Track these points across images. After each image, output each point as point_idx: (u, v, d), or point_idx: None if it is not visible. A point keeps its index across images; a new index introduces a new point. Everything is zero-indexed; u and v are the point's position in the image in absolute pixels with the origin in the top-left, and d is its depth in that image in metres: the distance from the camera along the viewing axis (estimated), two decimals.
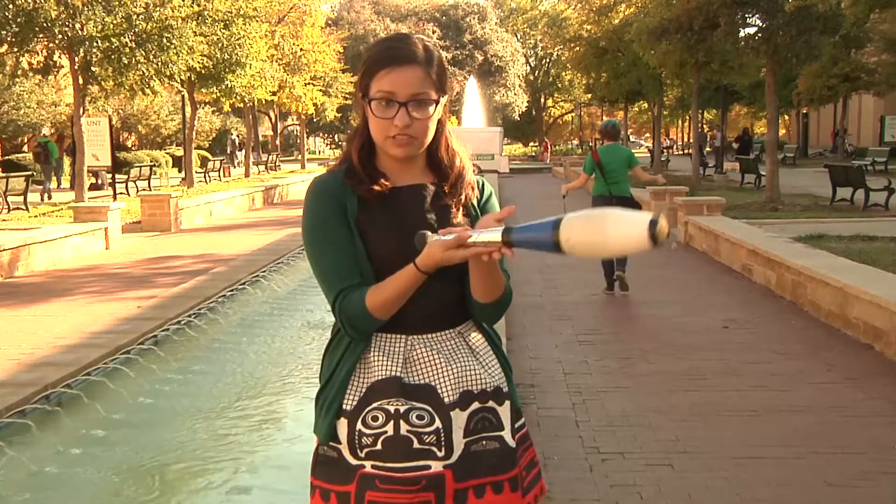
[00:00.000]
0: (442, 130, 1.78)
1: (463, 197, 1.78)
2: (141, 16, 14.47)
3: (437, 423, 1.67)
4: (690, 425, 4.41)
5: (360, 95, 1.74)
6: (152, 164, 25.59)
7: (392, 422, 1.67)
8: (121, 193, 18.48)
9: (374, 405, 1.68)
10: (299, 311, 7.87)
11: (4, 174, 18.08)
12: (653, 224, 1.39)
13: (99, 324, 6.66)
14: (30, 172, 20.27)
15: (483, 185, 1.86)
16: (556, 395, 4.95)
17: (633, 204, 8.37)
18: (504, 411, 1.75)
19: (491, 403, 1.73)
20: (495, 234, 1.52)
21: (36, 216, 14.82)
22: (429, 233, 1.59)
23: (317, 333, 6.98)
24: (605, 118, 60.10)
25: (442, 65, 1.73)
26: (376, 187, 1.71)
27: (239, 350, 6.60)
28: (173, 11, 14.92)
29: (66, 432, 4.65)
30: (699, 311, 7.25)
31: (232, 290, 7.99)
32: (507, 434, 1.74)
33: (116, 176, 17.93)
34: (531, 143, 59.17)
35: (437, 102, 1.71)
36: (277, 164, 34.90)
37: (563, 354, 5.89)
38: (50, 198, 19.49)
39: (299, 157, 39.86)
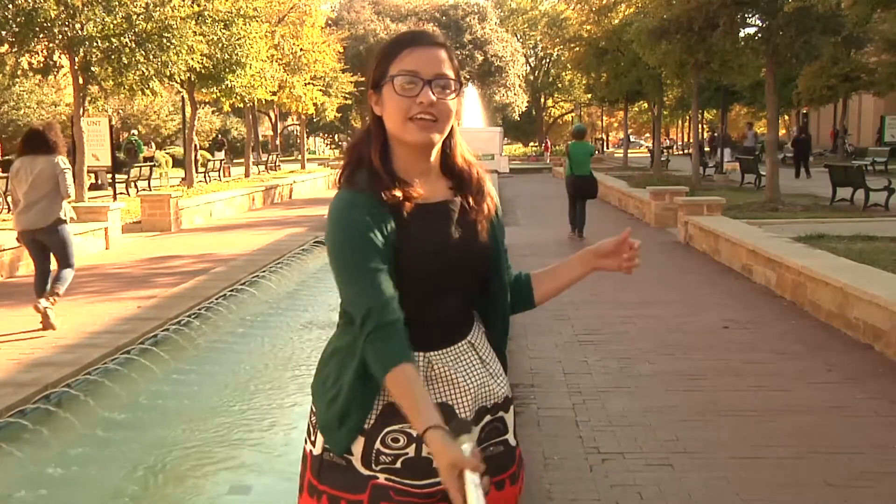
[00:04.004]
0: (454, 135, 1.74)
1: (486, 210, 1.73)
2: (141, 16, 14.46)
3: None
4: (690, 425, 4.41)
5: (373, 87, 1.69)
6: (152, 163, 25.59)
7: (414, 444, 1.64)
8: (121, 193, 18.48)
9: (396, 427, 1.63)
10: (299, 312, 7.87)
11: (4, 174, 18.07)
12: None
13: (99, 324, 6.66)
14: None
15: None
16: (556, 395, 4.95)
17: (592, 181, 12.28)
18: (510, 417, 1.78)
19: (500, 413, 1.75)
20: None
21: None
22: (469, 431, 1.49)
23: (317, 333, 6.98)
24: (603, 118, 60.29)
25: (457, 59, 1.72)
26: (409, 199, 1.63)
27: (239, 350, 6.60)
28: (173, 11, 14.91)
29: (66, 432, 4.65)
30: (699, 311, 7.25)
31: (232, 290, 7.99)
32: (510, 436, 1.78)
33: (116, 176, 17.93)
34: (531, 143, 59.15)
35: (457, 90, 1.68)
36: (277, 164, 34.88)
37: (563, 354, 5.89)
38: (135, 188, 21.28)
39: (299, 157, 39.84)
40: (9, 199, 16.08)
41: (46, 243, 6.98)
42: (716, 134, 29.67)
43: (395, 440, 1.64)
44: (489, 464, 1.67)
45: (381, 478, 1.64)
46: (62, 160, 6.93)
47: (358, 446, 1.65)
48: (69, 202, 7.12)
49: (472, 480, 1.42)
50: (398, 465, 1.64)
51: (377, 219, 1.61)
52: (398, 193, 1.62)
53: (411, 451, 1.64)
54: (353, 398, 1.65)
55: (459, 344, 1.72)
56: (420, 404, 1.51)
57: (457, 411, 1.66)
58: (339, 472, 1.66)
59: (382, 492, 1.63)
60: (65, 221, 6.97)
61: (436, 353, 1.68)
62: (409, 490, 1.63)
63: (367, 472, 1.64)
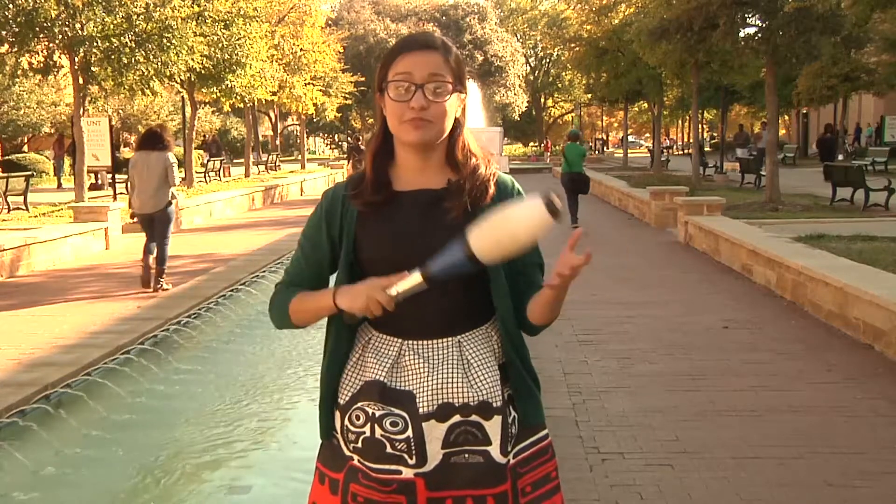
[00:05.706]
0: (460, 131, 1.77)
1: (469, 198, 1.70)
2: (141, 16, 14.46)
3: (409, 432, 1.68)
4: (690, 425, 4.41)
5: (378, 92, 1.73)
6: None
7: (369, 424, 1.71)
8: (121, 193, 18.45)
9: (359, 405, 1.73)
10: None
11: (4, 174, 18.07)
12: (547, 203, 1.50)
13: (99, 324, 6.66)
14: (29, 172, 20.27)
15: (512, 185, 1.81)
16: (556, 395, 4.94)
17: (584, 178, 13.91)
18: (492, 426, 1.70)
19: (475, 417, 1.69)
20: (415, 277, 1.58)
21: (36, 216, 14.81)
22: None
23: (317, 333, 6.97)
24: (603, 118, 60.42)
25: (459, 59, 1.73)
26: (362, 201, 1.73)
27: (238, 350, 6.61)
28: (173, 11, 14.90)
29: (66, 432, 4.65)
30: (699, 311, 7.25)
31: (231, 290, 7.99)
32: (494, 449, 1.70)
33: (116, 176, 17.91)
34: (531, 143, 59.15)
35: (454, 91, 1.70)
36: (277, 164, 34.87)
37: (563, 354, 5.89)
38: None
39: (299, 157, 39.84)
40: (9, 198, 16.19)
41: (156, 221, 8.53)
42: (743, 130, 29.71)
43: (358, 417, 1.72)
44: (459, 471, 1.68)
45: (356, 460, 1.72)
46: (171, 155, 8.50)
47: (338, 422, 1.76)
48: (176, 188, 8.72)
49: (395, 287, 1.59)
50: (360, 443, 1.72)
51: (337, 211, 1.76)
52: (359, 195, 1.74)
53: (367, 429, 1.71)
54: (324, 374, 1.79)
55: (443, 340, 1.71)
56: (317, 296, 1.73)
57: (417, 401, 1.69)
58: (330, 451, 1.79)
59: (354, 474, 1.71)
60: (171, 204, 8.58)
61: (412, 342, 1.72)
62: (370, 474, 1.69)
63: (347, 453, 1.74)
